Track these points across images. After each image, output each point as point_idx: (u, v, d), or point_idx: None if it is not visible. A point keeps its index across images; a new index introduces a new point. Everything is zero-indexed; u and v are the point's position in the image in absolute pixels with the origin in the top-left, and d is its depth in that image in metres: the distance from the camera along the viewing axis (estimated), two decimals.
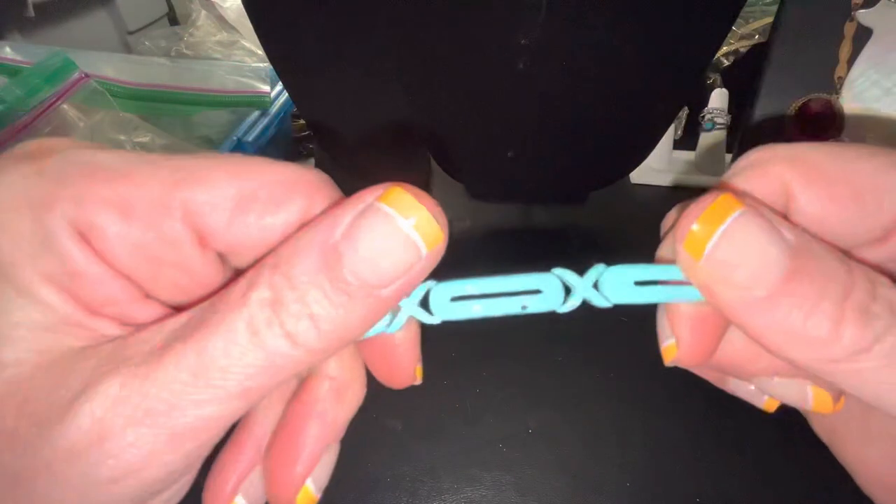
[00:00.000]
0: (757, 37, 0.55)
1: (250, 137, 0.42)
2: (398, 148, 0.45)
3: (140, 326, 0.11)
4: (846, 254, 0.11)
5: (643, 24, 0.33)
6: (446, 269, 0.44)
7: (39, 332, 0.10)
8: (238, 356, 0.10)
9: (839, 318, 0.10)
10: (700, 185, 0.48)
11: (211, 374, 0.10)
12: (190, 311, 0.11)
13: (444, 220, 0.12)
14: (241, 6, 0.34)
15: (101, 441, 0.09)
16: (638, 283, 0.13)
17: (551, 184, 0.44)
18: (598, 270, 0.13)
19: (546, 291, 0.13)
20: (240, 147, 0.40)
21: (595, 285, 0.13)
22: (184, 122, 0.44)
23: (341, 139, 0.42)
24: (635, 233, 0.43)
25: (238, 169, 0.11)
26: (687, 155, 0.50)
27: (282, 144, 0.52)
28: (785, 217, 0.12)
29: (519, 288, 0.13)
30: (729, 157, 0.46)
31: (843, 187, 0.11)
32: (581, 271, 0.13)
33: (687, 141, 0.50)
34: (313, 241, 0.10)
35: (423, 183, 0.48)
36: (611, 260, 0.14)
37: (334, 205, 0.11)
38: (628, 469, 0.26)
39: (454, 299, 0.13)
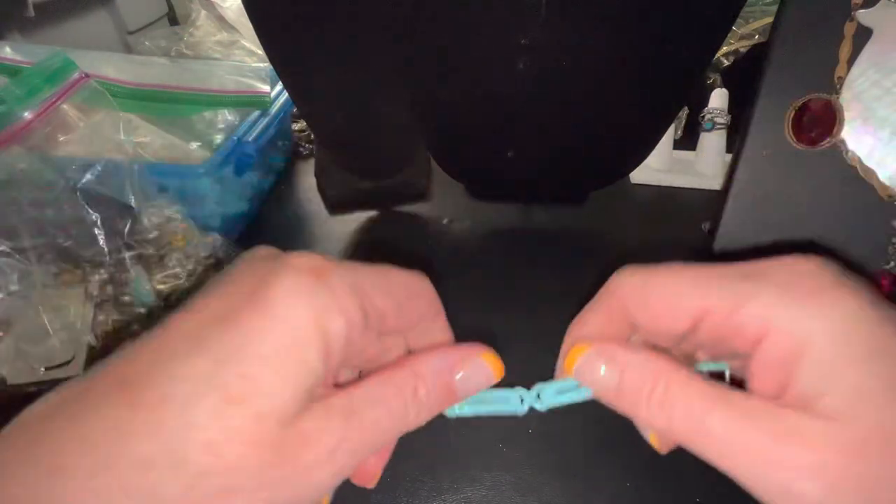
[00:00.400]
0: (757, 37, 0.55)
1: (250, 137, 0.42)
2: (398, 148, 0.45)
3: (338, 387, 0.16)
4: (673, 348, 0.19)
5: (643, 24, 0.33)
6: (447, 267, 0.44)
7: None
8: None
9: (655, 402, 0.16)
10: (700, 186, 0.48)
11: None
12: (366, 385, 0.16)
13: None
14: (241, 6, 0.34)
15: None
16: (559, 392, 0.20)
17: (551, 184, 0.44)
18: (539, 387, 0.20)
19: (511, 400, 0.20)
20: (240, 147, 0.40)
21: (538, 396, 0.20)
22: (184, 122, 0.44)
23: (341, 139, 0.42)
24: (635, 233, 0.43)
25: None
26: (687, 155, 0.50)
27: (282, 144, 0.52)
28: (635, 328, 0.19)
29: (494, 399, 0.20)
30: (729, 156, 0.46)
31: (658, 309, 0.17)
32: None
33: (687, 141, 0.50)
34: (440, 374, 0.18)
35: (422, 182, 0.48)
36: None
37: (452, 348, 0.19)
38: (628, 469, 0.26)
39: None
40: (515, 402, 0.20)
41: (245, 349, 0.14)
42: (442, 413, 0.19)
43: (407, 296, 0.19)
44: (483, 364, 0.19)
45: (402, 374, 0.17)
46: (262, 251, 0.16)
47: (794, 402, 0.14)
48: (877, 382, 0.14)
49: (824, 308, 0.14)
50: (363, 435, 0.15)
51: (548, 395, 0.20)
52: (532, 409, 0.20)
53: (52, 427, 0.13)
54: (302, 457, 0.14)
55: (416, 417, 0.17)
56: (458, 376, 0.18)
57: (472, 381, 0.19)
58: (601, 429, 0.28)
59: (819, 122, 0.26)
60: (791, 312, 0.15)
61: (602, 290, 0.19)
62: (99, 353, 0.31)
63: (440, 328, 0.21)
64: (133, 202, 0.35)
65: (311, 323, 0.15)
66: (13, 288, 0.31)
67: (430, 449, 0.26)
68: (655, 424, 0.16)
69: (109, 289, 0.33)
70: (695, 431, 0.15)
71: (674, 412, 0.15)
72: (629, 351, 0.17)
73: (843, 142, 0.26)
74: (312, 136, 0.54)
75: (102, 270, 0.34)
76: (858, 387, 0.14)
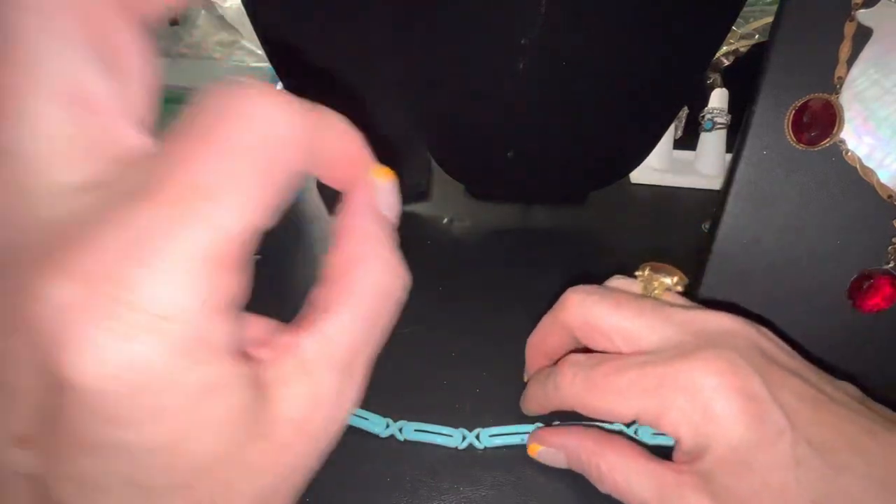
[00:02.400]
0: (757, 37, 0.55)
1: None
2: (398, 148, 0.45)
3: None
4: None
5: (643, 23, 0.33)
6: (447, 267, 0.44)
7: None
8: None
9: (595, 478, 0.23)
10: (700, 186, 0.48)
11: None
12: None
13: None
14: (241, 6, 0.34)
15: None
16: (493, 436, 0.26)
17: (551, 184, 0.44)
18: (477, 430, 0.27)
19: (454, 437, 0.26)
20: None
21: (477, 437, 0.26)
22: None
23: None
24: (635, 233, 0.43)
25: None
26: (687, 155, 0.50)
27: None
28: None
29: (442, 433, 0.26)
30: (729, 156, 0.46)
31: (600, 412, 0.22)
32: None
33: (687, 141, 0.50)
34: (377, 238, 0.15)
35: (423, 182, 0.48)
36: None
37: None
38: None
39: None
40: (457, 438, 0.26)
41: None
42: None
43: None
44: (382, 184, 0.17)
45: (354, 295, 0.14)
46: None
47: (695, 474, 0.19)
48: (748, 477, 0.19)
49: (717, 425, 0.19)
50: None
51: (484, 437, 0.26)
52: (470, 446, 0.26)
53: None
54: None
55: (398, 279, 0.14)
56: (383, 210, 0.16)
57: (388, 199, 0.17)
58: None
59: (819, 122, 0.26)
60: (690, 429, 0.19)
61: (551, 319, 0.25)
62: None
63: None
64: None
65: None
66: None
67: (430, 449, 0.26)
68: (601, 489, 0.22)
69: None
70: (627, 498, 0.21)
71: (608, 486, 0.22)
72: (566, 438, 0.24)
73: (843, 142, 0.26)
74: None
75: None
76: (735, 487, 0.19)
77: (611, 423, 0.26)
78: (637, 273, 0.25)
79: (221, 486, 0.10)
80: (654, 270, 0.25)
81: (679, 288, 0.24)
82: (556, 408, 0.24)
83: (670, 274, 0.24)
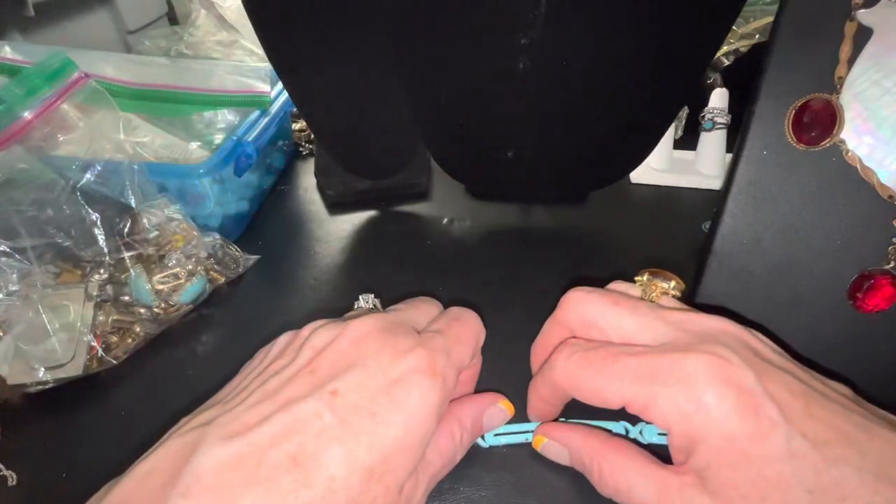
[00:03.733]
0: (757, 36, 0.55)
1: (250, 137, 0.42)
2: (398, 148, 0.45)
3: None
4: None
5: (643, 23, 0.33)
6: (447, 267, 0.44)
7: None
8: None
9: (595, 477, 0.23)
10: (700, 186, 0.48)
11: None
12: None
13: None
14: (241, 6, 0.34)
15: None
16: (498, 434, 0.27)
17: (551, 184, 0.44)
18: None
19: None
20: (240, 147, 0.40)
21: (481, 436, 0.27)
22: (184, 122, 0.43)
23: (341, 139, 0.42)
24: (635, 233, 0.43)
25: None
26: (687, 155, 0.50)
27: (282, 144, 0.52)
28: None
29: None
30: (729, 156, 0.46)
31: (590, 398, 0.22)
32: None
33: (687, 141, 0.50)
34: (475, 419, 0.25)
35: (423, 182, 0.48)
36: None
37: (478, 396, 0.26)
38: None
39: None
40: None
41: (386, 439, 0.19)
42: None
43: (478, 340, 0.26)
44: (501, 407, 0.26)
45: (450, 422, 0.23)
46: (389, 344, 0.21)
47: (693, 473, 0.20)
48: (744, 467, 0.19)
49: (710, 416, 0.19)
50: (431, 480, 0.22)
51: (488, 436, 0.27)
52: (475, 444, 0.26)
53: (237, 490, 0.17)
54: None
55: (459, 455, 0.24)
56: (485, 417, 0.25)
57: (495, 420, 0.26)
58: None
59: (819, 121, 0.26)
60: (681, 420, 0.20)
61: (552, 324, 0.26)
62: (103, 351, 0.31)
63: (477, 355, 0.27)
64: (133, 202, 0.35)
65: (434, 417, 0.21)
66: (13, 288, 0.31)
67: None
68: (601, 492, 0.23)
69: (109, 289, 0.33)
70: (627, 502, 0.22)
71: (609, 489, 0.22)
72: (571, 435, 0.24)
73: (843, 142, 0.26)
74: (312, 136, 0.54)
75: (102, 270, 0.34)
76: (730, 479, 0.19)
77: (610, 422, 0.26)
78: (636, 278, 0.26)
79: None
80: (653, 275, 0.26)
81: (676, 293, 0.25)
82: (553, 394, 0.24)
83: (668, 279, 0.26)
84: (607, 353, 0.22)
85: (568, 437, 0.24)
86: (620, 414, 0.22)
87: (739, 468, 0.19)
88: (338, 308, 0.28)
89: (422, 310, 0.26)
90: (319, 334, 0.22)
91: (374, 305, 0.27)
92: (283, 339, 0.23)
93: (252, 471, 0.17)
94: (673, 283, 0.26)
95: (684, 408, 0.19)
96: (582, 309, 0.24)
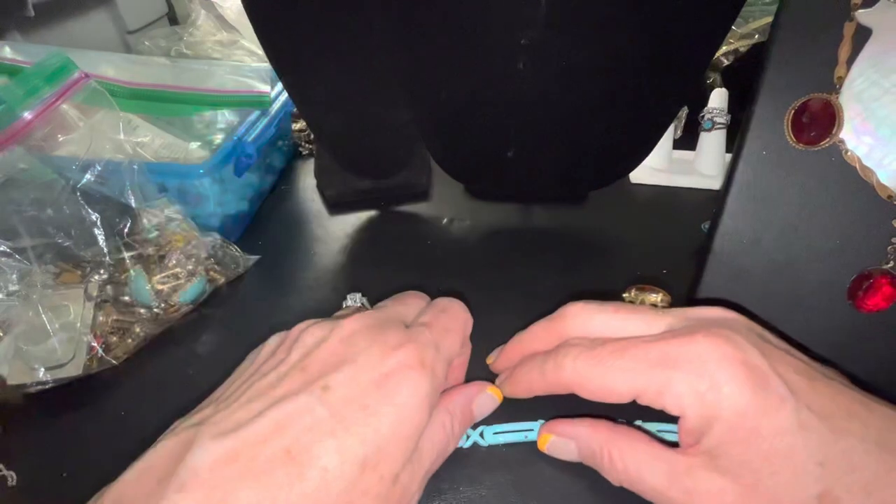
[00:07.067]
0: (757, 36, 0.55)
1: (250, 137, 0.42)
2: (398, 148, 0.45)
3: None
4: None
5: (642, 23, 0.33)
6: (447, 267, 0.44)
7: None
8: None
9: (606, 468, 0.23)
10: (700, 186, 0.48)
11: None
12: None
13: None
14: (241, 6, 0.34)
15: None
16: (497, 433, 0.26)
17: (551, 184, 0.44)
18: (480, 428, 0.27)
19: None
20: (240, 147, 0.40)
21: (481, 434, 0.26)
22: (184, 122, 0.44)
23: (341, 139, 0.42)
24: (635, 233, 0.43)
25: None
26: (687, 155, 0.50)
27: (282, 144, 0.52)
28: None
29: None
30: (728, 156, 0.46)
31: (600, 394, 0.22)
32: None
33: (687, 141, 0.50)
34: (465, 407, 0.25)
35: (423, 182, 0.48)
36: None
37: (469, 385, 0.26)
38: None
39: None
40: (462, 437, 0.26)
41: (378, 430, 0.19)
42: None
43: (466, 329, 0.26)
44: (490, 394, 0.26)
45: (441, 413, 0.23)
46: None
47: (703, 453, 0.20)
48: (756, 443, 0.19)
49: (723, 393, 0.19)
50: (426, 471, 0.22)
51: (487, 434, 0.26)
52: (475, 443, 0.26)
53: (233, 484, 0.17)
54: (401, 500, 0.20)
55: (452, 445, 0.24)
56: (474, 406, 0.25)
57: (485, 408, 0.26)
58: None
59: (819, 121, 0.26)
60: (695, 400, 0.20)
61: (551, 325, 0.25)
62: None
63: (466, 344, 0.27)
64: (133, 202, 0.35)
65: (425, 409, 0.21)
66: (13, 288, 0.31)
67: None
68: (612, 480, 0.22)
69: (109, 289, 0.33)
70: (638, 487, 0.21)
71: (620, 475, 0.22)
72: (578, 428, 0.24)
73: (842, 141, 0.26)
74: (312, 136, 0.54)
75: (102, 270, 0.34)
76: (743, 455, 0.19)
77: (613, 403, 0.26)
78: (624, 295, 0.27)
79: None
80: (640, 291, 0.28)
81: (665, 305, 0.26)
82: (551, 390, 0.24)
83: (656, 292, 0.27)
84: (614, 348, 0.22)
85: (576, 430, 0.24)
86: (621, 414, 0.22)
87: (752, 443, 0.19)
88: (338, 308, 0.28)
89: (409, 304, 0.26)
90: (310, 333, 0.22)
91: (363, 304, 0.27)
92: (274, 339, 0.23)
93: (247, 465, 0.17)
94: (660, 296, 0.27)
95: (699, 388, 0.20)
96: (585, 319, 0.24)
